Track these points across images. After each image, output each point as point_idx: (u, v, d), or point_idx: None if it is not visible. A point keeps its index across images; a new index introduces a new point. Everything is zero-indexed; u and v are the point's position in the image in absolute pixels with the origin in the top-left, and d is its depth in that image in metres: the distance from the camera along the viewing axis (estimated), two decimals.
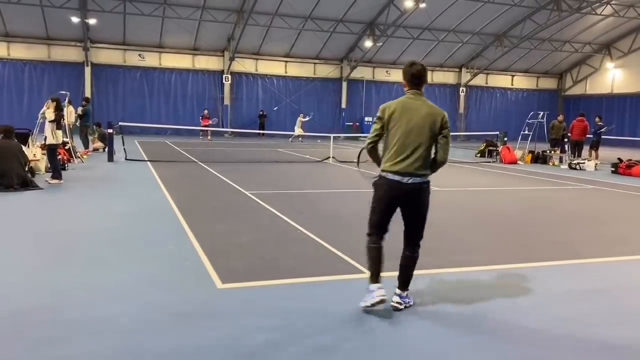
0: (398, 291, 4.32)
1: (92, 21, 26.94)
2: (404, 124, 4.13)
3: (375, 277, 4.27)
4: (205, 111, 28.66)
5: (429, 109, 4.18)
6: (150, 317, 4.06)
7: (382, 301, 4.16)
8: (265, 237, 6.68)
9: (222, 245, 6.24)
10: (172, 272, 5.19)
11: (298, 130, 28.02)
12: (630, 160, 16.35)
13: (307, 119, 29.09)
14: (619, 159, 16.58)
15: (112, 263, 5.42)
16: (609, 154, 21.02)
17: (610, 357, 3.63)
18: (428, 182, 4.23)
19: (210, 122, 27.47)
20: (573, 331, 4.01)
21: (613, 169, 16.16)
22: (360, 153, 4.73)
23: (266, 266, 5.45)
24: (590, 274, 5.58)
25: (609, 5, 28.73)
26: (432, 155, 4.23)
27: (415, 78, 4.23)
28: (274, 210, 8.34)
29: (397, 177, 4.13)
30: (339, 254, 5.91)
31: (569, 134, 19.49)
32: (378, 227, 4.32)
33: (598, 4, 27.91)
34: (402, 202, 4.23)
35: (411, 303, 4.35)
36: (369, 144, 4.35)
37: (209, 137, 27.72)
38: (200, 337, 3.73)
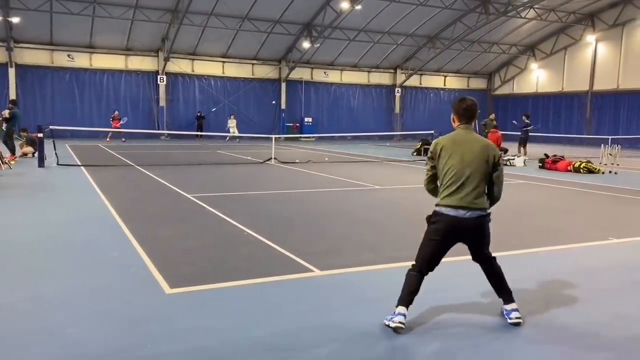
0: (508, 307, 4.14)
1: (15, 20, 25.55)
2: (457, 158, 3.97)
3: (403, 301, 4.00)
4: (116, 112, 27.46)
5: (482, 143, 4.06)
6: (97, 325, 3.96)
7: (397, 329, 3.89)
8: (212, 241, 6.63)
9: (167, 250, 6.14)
10: (117, 279, 5.07)
11: (234, 130, 28.02)
12: (555, 155, 17.35)
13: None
14: (545, 154, 17.55)
15: (54, 272, 5.23)
16: (535, 150, 22.17)
17: (549, 337, 3.89)
18: (488, 214, 4.08)
19: (121, 122, 26.71)
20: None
21: (540, 164, 17.10)
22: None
23: (215, 269, 5.42)
24: (525, 263, 5.91)
25: (532, 9, 30.32)
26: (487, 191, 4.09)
27: (467, 112, 4.10)
28: (218, 213, 8.28)
29: (453, 212, 3.95)
30: (287, 254, 5.96)
31: None
32: (425, 265, 4.09)
33: (522, 7, 29.39)
34: (463, 238, 4.09)
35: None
36: (428, 188, 4.22)
37: (122, 139, 26.89)
38: (151, 343, 3.68)
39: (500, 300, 4.23)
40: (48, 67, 29.07)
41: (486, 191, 4.06)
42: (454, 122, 4.19)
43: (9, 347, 3.61)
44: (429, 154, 4.15)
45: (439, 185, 4.11)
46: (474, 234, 4.07)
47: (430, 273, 4.09)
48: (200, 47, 31.50)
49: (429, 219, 4.09)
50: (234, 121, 30.01)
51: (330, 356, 3.56)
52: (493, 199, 4.12)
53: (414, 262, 4.10)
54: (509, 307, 4.15)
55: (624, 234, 7.41)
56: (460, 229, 4.00)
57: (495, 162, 4.02)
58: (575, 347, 3.78)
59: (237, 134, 28.33)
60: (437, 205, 4.05)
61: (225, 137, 28.92)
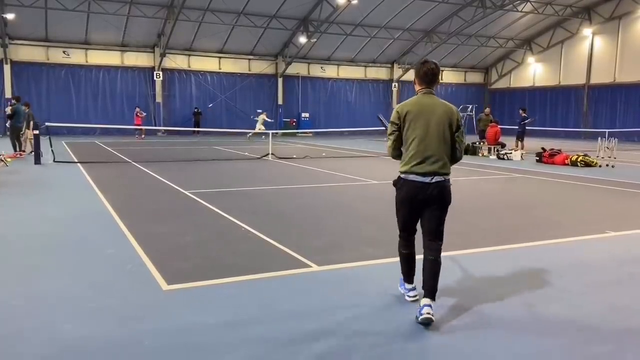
0: (427, 301, 3.99)
1: (10, 16, 25.37)
2: (422, 123, 4.02)
3: (408, 278, 4.42)
4: (137, 109, 28.17)
5: (444, 107, 4.10)
6: (94, 322, 3.94)
7: (416, 300, 4.27)
8: (210, 237, 6.61)
9: (164, 246, 6.12)
10: (114, 276, 5.05)
11: (259, 127, 27.66)
12: (552, 149, 17.36)
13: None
14: (542, 148, 17.56)
15: (51, 270, 5.21)
16: (532, 144, 22.20)
17: (548, 330, 3.89)
18: (449, 180, 4.13)
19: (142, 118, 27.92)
20: (513, 310, 4.26)
21: (537, 158, 17.10)
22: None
23: (212, 265, 5.41)
24: (522, 257, 5.91)
25: (529, 3, 30.27)
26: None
27: (428, 76, 4.10)
28: (216, 209, 8.26)
29: (420, 178, 4.03)
30: (285, 249, 5.95)
31: (484, 140, 20.26)
32: (406, 230, 4.31)
33: (519, 1, 29.33)
34: (427, 204, 4.08)
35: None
36: (392, 153, 4.26)
37: (143, 135, 28.11)
38: (148, 340, 3.67)
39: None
40: (43, 64, 28.94)
41: (449, 154, 4.12)
42: (415, 85, 4.23)
43: (4, 344, 3.59)
44: (393, 119, 4.14)
45: (403, 151, 4.14)
46: (435, 200, 4.07)
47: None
48: (196, 43, 31.40)
49: (395, 184, 4.21)
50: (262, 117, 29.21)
51: (330, 352, 3.56)
52: (454, 159, 4.17)
53: (398, 234, 4.35)
54: (427, 302, 3.97)
55: (621, 227, 7.42)
56: (424, 195, 4.05)
57: (457, 124, 4.10)
58: (573, 340, 3.78)
59: (263, 129, 28.03)
60: (403, 172, 4.11)
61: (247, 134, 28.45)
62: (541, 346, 3.67)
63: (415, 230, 4.31)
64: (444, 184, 4.07)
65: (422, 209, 4.14)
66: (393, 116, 4.15)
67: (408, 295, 4.41)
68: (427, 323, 3.87)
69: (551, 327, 3.97)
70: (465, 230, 7.18)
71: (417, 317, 3.94)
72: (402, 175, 4.13)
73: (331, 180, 11.99)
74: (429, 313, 3.89)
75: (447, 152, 4.08)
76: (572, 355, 3.57)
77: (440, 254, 4.13)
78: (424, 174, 4.02)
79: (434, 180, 4.02)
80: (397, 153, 4.21)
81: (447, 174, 4.09)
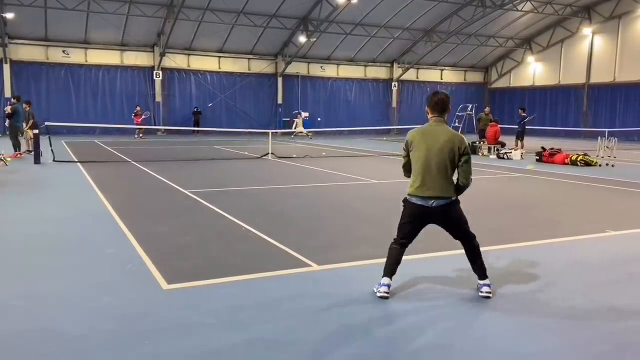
0: (481, 282, 4.57)
1: (9, 15, 25.35)
2: (424, 149, 4.35)
3: (386, 271, 4.55)
4: (138, 108, 28.25)
5: (448, 135, 4.37)
6: (94, 322, 3.94)
7: (384, 297, 4.41)
8: (209, 236, 6.62)
9: (164, 246, 6.12)
10: (114, 275, 5.05)
11: (300, 128, 29.00)
12: (552, 148, 17.37)
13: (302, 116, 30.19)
14: (542, 147, 17.56)
15: (51, 269, 5.21)
16: (532, 143, 22.18)
17: (547, 330, 3.89)
18: (454, 201, 4.46)
19: (143, 117, 28.16)
20: (512, 309, 4.27)
21: (537, 158, 17.10)
22: None
23: (212, 265, 5.41)
24: (522, 256, 5.91)
25: (528, 2, 30.26)
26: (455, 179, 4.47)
27: (438, 105, 4.42)
28: (215, 209, 8.26)
29: (420, 202, 4.40)
30: (285, 249, 5.95)
31: (484, 140, 20.23)
32: (404, 239, 4.60)
33: (519, 0, 29.31)
34: (433, 222, 4.50)
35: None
36: (404, 174, 4.68)
37: (140, 134, 28.21)
38: (149, 339, 3.67)
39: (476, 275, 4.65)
40: (43, 63, 28.91)
41: (454, 179, 4.43)
42: (427, 114, 4.54)
43: (5, 344, 3.59)
44: (404, 145, 4.56)
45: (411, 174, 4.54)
46: (442, 219, 4.48)
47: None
48: (196, 42, 31.37)
49: (403, 201, 4.59)
50: (301, 119, 31.11)
51: (330, 351, 3.56)
52: (459, 187, 4.45)
53: (395, 237, 4.62)
54: (481, 282, 4.58)
55: (620, 227, 7.43)
56: (428, 215, 4.44)
57: (461, 152, 4.35)
58: (572, 339, 3.78)
59: (303, 130, 29.60)
60: (408, 194, 4.49)
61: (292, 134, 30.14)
62: (541, 345, 3.68)
63: (412, 240, 4.61)
64: (447, 206, 4.40)
65: (426, 225, 4.56)
66: (404, 142, 4.55)
67: (378, 290, 4.45)
68: (488, 298, 4.47)
69: (551, 326, 3.97)
70: None
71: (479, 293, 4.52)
72: (407, 197, 4.52)
73: (331, 180, 11.98)
74: (488, 291, 4.49)
75: (448, 177, 4.37)
76: (572, 355, 3.57)
77: (473, 246, 4.57)
78: (424, 198, 4.39)
79: (434, 205, 4.38)
80: (408, 174, 4.63)
81: (449, 197, 4.39)
